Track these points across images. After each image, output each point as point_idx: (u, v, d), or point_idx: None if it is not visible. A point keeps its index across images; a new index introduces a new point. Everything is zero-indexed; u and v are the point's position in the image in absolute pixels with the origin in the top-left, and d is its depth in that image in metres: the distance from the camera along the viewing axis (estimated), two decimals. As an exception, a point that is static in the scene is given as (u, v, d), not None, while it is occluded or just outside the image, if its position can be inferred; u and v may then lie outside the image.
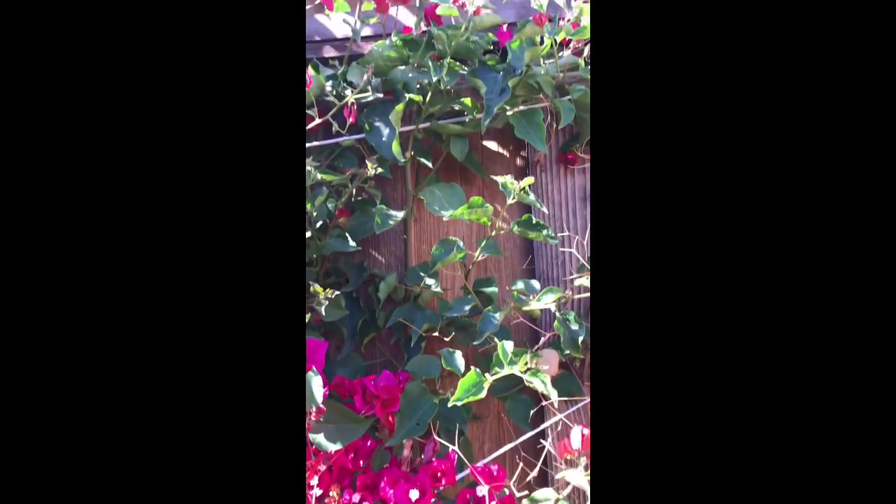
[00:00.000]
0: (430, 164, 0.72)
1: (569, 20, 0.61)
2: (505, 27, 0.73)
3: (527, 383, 0.49)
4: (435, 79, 0.60)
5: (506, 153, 0.83)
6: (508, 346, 0.51)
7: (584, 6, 0.59)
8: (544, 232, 0.56)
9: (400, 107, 0.63)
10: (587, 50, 0.70)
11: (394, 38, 0.63)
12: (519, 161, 0.83)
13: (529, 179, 0.54)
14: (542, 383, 0.47)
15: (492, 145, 0.82)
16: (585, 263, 0.62)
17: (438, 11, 0.58)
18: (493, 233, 0.58)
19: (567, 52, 0.69)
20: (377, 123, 0.68)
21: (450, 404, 0.49)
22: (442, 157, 0.74)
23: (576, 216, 0.78)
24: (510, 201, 0.55)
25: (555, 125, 0.70)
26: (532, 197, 0.55)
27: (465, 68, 0.68)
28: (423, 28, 0.66)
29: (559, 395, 0.66)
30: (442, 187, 0.69)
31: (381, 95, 0.64)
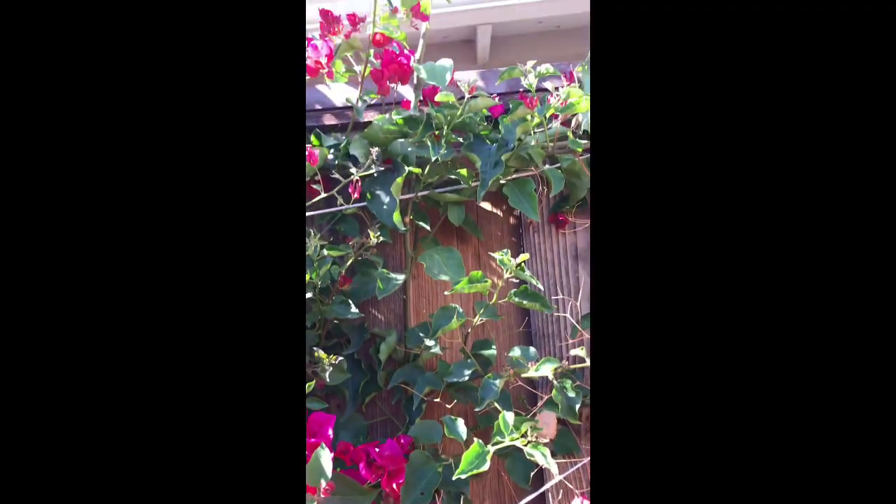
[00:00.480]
0: (428, 228, 0.76)
1: (558, 97, 0.66)
2: (496, 98, 0.78)
3: (527, 456, 0.51)
4: (434, 158, 0.63)
5: (499, 212, 0.87)
6: (509, 416, 0.53)
7: (570, 89, 0.63)
8: (539, 302, 0.59)
9: (400, 179, 0.67)
10: (574, 121, 0.74)
11: (394, 116, 0.67)
12: (512, 220, 0.87)
13: (525, 256, 0.57)
14: (542, 456, 0.49)
15: (486, 205, 0.86)
16: (579, 327, 0.65)
17: (437, 98, 0.62)
18: (492, 301, 0.61)
19: (556, 123, 0.73)
20: (378, 192, 0.71)
21: (454, 477, 0.51)
22: (440, 221, 0.78)
23: (568, 274, 0.82)
24: (507, 275, 0.58)
25: (546, 191, 0.74)
26: (528, 273, 0.58)
27: (462, 139, 0.72)
28: (421, 102, 0.70)
29: (558, 452, 0.68)
30: (440, 251, 0.72)
31: (381, 168, 0.68)
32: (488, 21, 1.59)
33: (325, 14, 0.63)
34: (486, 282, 0.58)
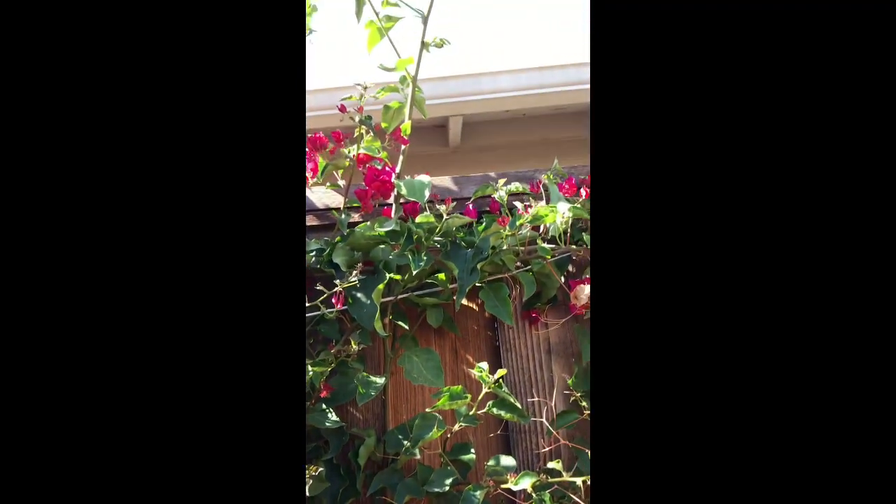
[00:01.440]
0: (406, 328, 0.78)
1: (525, 215, 0.72)
2: (471, 206, 0.84)
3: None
4: (415, 271, 0.67)
5: (475, 307, 0.91)
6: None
7: (539, 208, 0.69)
8: (516, 413, 0.61)
9: (381, 286, 0.70)
10: (542, 227, 0.80)
11: (377, 228, 0.71)
12: (487, 314, 0.91)
13: (502, 371, 0.60)
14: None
15: (462, 300, 0.90)
16: (553, 430, 0.67)
17: (419, 220, 0.67)
18: (472, 412, 0.63)
19: (526, 229, 0.79)
20: (359, 296, 0.74)
21: None
22: (419, 321, 0.80)
23: (541, 369, 0.85)
24: (486, 390, 0.61)
25: (518, 293, 0.78)
26: (505, 389, 0.61)
27: (439, 244, 0.77)
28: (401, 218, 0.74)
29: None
30: (419, 353, 0.74)
31: (363, 277, 0.71)
32: (460, 113, 1.70)
33: (312, 140, 0.69)
34: (465, 397, 0.61)
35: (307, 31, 0.80)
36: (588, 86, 1.62)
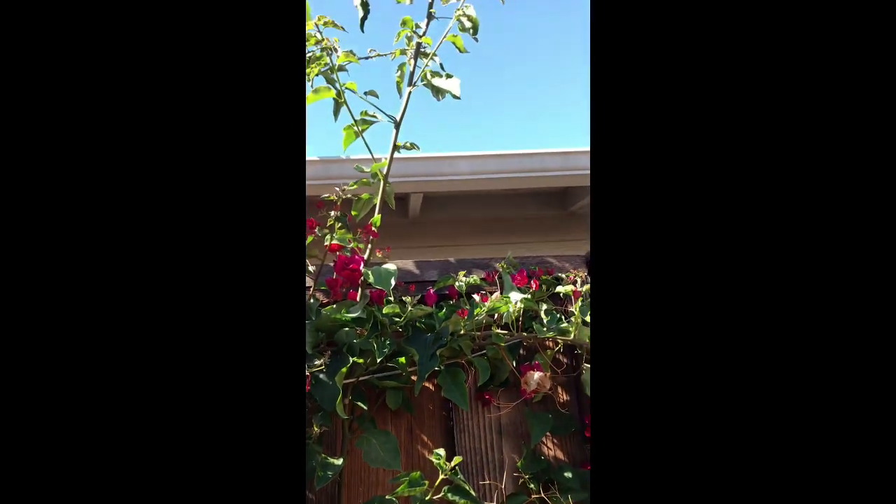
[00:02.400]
0: (365, 408, 0.81)
1: (486, 299, 0.79)
2: (431, 290, 0.90)
3: None
4: (378, 359, 0.72)
5: (430, 387, 0.95)
6: None
7: (495, 300, 0.77)
8: (470, 500, 0.65)
9: (344, 369, 0.74)
10: (496, 315, 0.87)
11: (344, 314, 0.76)
12: (442, 394, 0.95)
13: (458, 459, 0.65)
14: None
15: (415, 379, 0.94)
16: (504, 513, 0.70)
17: (385, 311, 0.72)
18: (427, 497, 0.66)
19: (484, 314, 0.86)
20: (321, 377, 0.77)
21: None
22: (379, 403, 0.84)
23: (493, 449, 0.89)
24: (442, 476, 0.64)
25: (472, 376, 0.84)
26: (460, 476, 0.65)
27: (402, 326, 0.82)
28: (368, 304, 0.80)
29: None
30: (377, 435, 0.77)
31: (327, 362, 0.75)
32: (421, 190, 1.81)
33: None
34: (423, 484, 0.64)
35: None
36: (540, 174, 1.78)
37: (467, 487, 0.66)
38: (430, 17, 0.90)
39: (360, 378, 0.80)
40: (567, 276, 0.95)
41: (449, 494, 0.67)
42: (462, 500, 0.66)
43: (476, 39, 0.87)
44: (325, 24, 0.72)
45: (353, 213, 0.88)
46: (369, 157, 0.89)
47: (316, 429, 0.69)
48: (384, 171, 0.83)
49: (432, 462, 0.71)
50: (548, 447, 0.90)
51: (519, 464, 0.83)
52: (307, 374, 0.70)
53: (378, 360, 0.74)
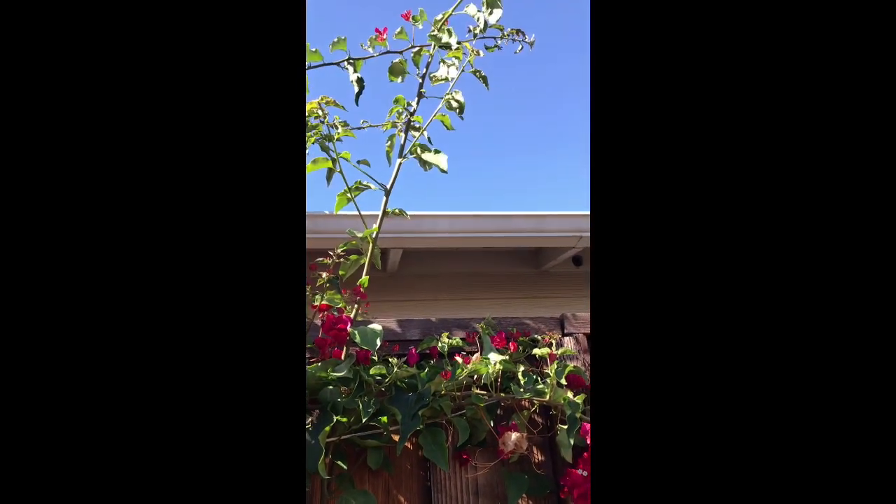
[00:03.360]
0: (345, 467, 0.82)
1: (467, 360, 0.82)
2: (413, 351, 0.93)
3: None
4: (364, 419, 0.74)
5: (409, 446, 0.96)
6: None
7: (476, 363, 0.81)
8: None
9: (328, 428, 0.75)
10: (475, 375, 0.91)
11: (331, 373, 0.78)
12: (420, 453, 0.96)
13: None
14: None
15: (395, 437, 0.95)
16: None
17: (372, 371, 0.75)
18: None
19: (465, 372, 0.89)
20: (305, 436, 0.78)
21: None
22: (359, 462, 0.85)
23: (469, 510, 0.90)
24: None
25: (451, 436, 0.86)
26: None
27: (385, 386, 0.84)
28: (354, 363, 0.82)
29: None
30: (356, 495, 0.78)
31: (315, 421, 0.76)
32: (400, 246, 1.86)
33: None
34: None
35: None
36: (515, 234, 1.86)
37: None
38: (420, 95, 0.99)
39: (342, 437, 0.82)
40: (542, 338, 1.00)
41: (429, 557, 0.68)
42: (442, 564, 0.67)
43: (462, 118, 0.96)
44: (328, 103, 0.78)
45: (340, 272, 0.92)
46: (354, 213, 0.93)
47: (298, 489, 0.69)
48: (374, 236, 0.88)
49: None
50: (523, 508, 0.91)
51: (495, 526, 0.84)
52: (293, 433, 0.71)
53: (363, 420, 0.76)
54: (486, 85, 0.92)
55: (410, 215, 1.85)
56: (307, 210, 1.73)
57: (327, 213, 1.73)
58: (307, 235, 1.64)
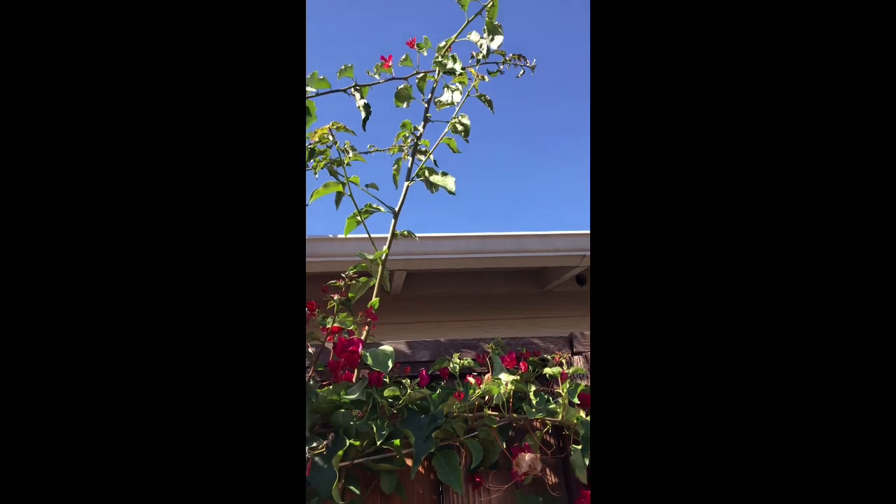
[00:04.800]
0: (358, 493, 0.81)
1: (479, 381, 0.82)
2: (424, 373, 0.93)
3: None
4: (378, 441, 0.74)
5: (421, 469, 0.95)
6: None
7: (488, 383, 0.80)
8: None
9: (341, 452, 0.75)
10: (487, 396, 0.91)
11: (343, 396, 0.78)
12: (433, 476, 0.95)
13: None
14: None
15: (408, 460, 0.94)
16: None
17: (386, 393, 0.75)
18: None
19: (476, 395, 0.89)
20: (317, 460, 0.78)
21: None
22: (371, 487, 0.84)
23: (484, 535, 0.88)
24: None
25: (464, 459, 0.85)
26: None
27: (397, 408, 0.84)
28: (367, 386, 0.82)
29: None
30: (370, 521, 0.77)
31: (325, 443, 0.76)
32: (404, 269, 1.87)
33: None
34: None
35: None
36: (519, 254, 1.87)
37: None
38: (426, 120, 1.01)
39: (355, 461, 0.81)
40: (552, 358, 1.00)
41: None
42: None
43: (467, 142, 0.98)
44: (338, 128, 0.80)
45: (350, 295, 0.92)
46: (362, 236, 0.94)
47: (312, 515, 0.68)
48: (384, 258, 0.88)
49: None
50: (538, 532, 0.90)
51: (511, 550, 0.82)
52: (309, 457, 0.70)
53: (378, 443, 0.75)
54: (492, 109, 0.94)
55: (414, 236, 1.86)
56: (316, 234, 1.74)
57: (334, 236, 1.74)
58: (316, 259, 1.65)
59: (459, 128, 0.95)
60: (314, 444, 0.74)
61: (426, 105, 1.03)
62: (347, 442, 0.77)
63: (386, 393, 0.76)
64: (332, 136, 0.79)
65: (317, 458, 0.77)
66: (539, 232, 1.85)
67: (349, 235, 1.70)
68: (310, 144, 0.99)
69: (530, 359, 0.98)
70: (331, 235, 1.75)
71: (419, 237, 1.84)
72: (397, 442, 0.82)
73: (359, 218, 0.89)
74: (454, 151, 0.95)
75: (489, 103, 0.93)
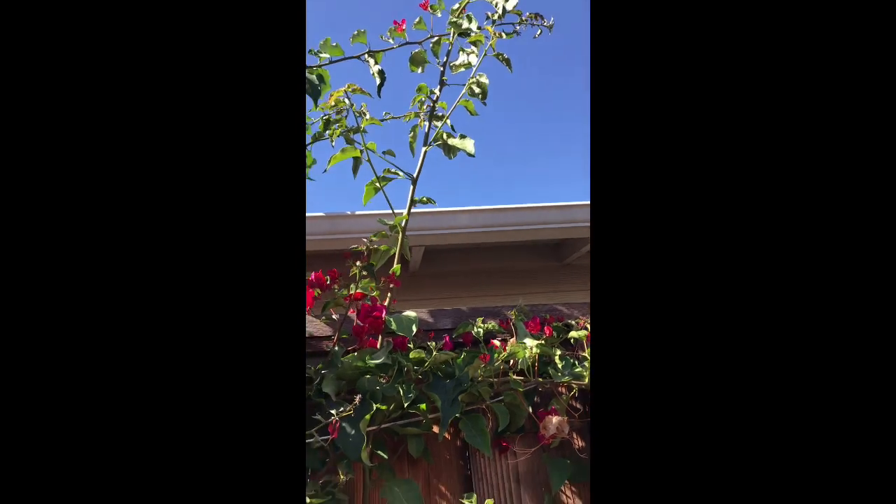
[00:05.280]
0: (386, 457, 0.81)
1: (504, 344, 0.81)
2: (447, 339, 0.93)
3: None
4: (405, 404, 0.73)
5: (448, 435, 0.95)
6: None
7: (513, 345, 0.80)
8: (501, 544, 0.65)
9: (368, 416, 0.75)
10: (511, 360, 0.90)
11: (368, 361, 0.78)
12: (458, 443, 0.95)
13: (490, 501, 0.65)
14: None
15: (435, 429, 0.94)
16: (531, 561, 0.70)
17: (412, 356, 0.75)
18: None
19: (500, 362, 0.88)
20: (344, 426, 0.78)
21: None
22: (399, 451, 0.84)
23: (512, 497, 0.88)
24: (474, 520, 0.65)
25: (490, 423, 0.85)
26: (493, 519, 0.65)
27: (422, 373, 0.84)
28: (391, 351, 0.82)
29: None
30: (399, 484, 0.77)
31: (357, 406, 0.76)
32: (421, 244, 1.86)
33: (316, 278, 0.78)
34: (455, 527, 0.64)
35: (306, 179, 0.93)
36: (539, 226, 1.85)
37: (501, 530, 0.66)
38: (442, 84, 0.99)
39: (382, 426, 0.81)
40: (577, 323, 0.98)
41: (479, 540, 0.67)
42: (493, 546, 0.66)
43: (485, 104, 0.95)
44: (354, 91, 0.79)
45: (371, 261, 0.92)
46: (374, 213, 0.94)
47: (342, 476, 0.69)
48: (403, 225, 0.87)
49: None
50: (566, 495, 0.90)
51: (540, 511, 0.82)
52: (334, 420, 0.71)
53: (404, 405, 0.75)
54: (510, 67, 0.91)
55: (430, 211, 1.84)
56: (330, 211, 1.74)
57: (352, 213, 1.74)
58: (336, 236, 1.65)
59: (476, 89, 0.93)
60: (341, 409, 0.74)
61: (441, 69, 1.00)
62: (374, 406, 0.77)
63: (411, 355, 0.75)
64: (348, 99, 0.78)
65: (344, 424, 0.78)
66: (558, 203, 1.82)
67: (362, 213, 1.70)
68: (324, 115, 0.97)
69: (554, 324, 0.96)
70: (349, 212, 1.74)
71: (435, 212, 1.83)
72: (423, 406, 0.82)
73: (377, 185, 0.88)
74: (472, 114, 0.93)
75: (507, 62, 0.91)
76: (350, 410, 0.71)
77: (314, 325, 0.96)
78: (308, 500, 0.67)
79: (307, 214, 1.66)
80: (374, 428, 0.81)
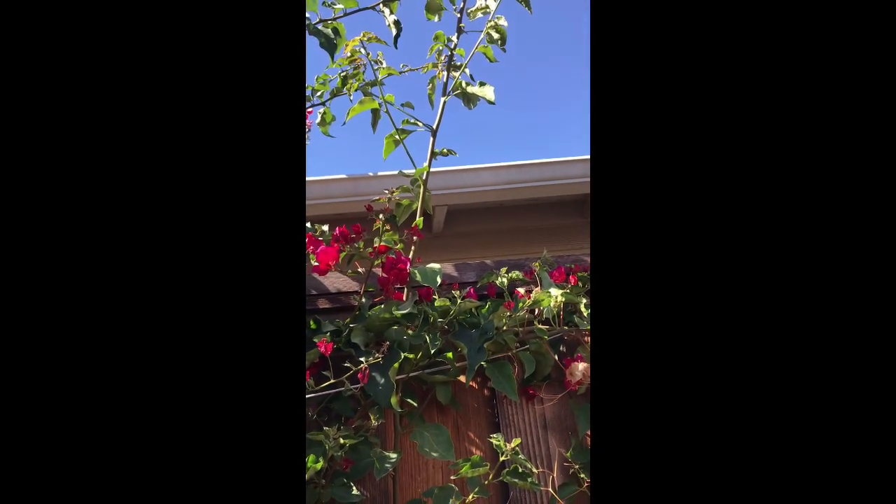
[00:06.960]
0: (415, 404, 0.84)
1: (525, 298, 0.82)
2: (471, 290, 0.93)
3: None
4: (432, 351, 0.75)
5: (475, 385, 0.97)
6: None
7: (538, 293, 0.80)
8: (530, 480, 0.67)
9: (396, 364, 0.77)
10: (537, 310, 0.90)
11: (394, 311, 0.80)
12: (486, 392, 0.97)
13: (518, 441, 0.67)
14: None
15: (462, 378, 0.96)
16: (558, 497, 0.72)
17: (437, 304, 0.76)
18: (487, 481, 0.68)
19: (524, 311, 0.88)
20: (374, 374, 0.80)
21: None
22: (427, 399, 0.86)
23: (539, 443, 0.91)
24: (503, 458, 0.67)
25: (517, 370, 0.86)
26: (522, 456, 0.67)
27: (448, 324, 0.85)
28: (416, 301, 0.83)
29: None
30: (429, 428, 0.79)
31: (380, 359, 0.78)
32: (444, 203, 1.85)
33: (340, 233, 0.79)
34: (485, 465, 0.66)
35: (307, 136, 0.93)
36: (563, 181, 1.82)
37: (530, 465, 0.68)
38: (459, 31, 0.96)
39: (410, 374, 0.83)
40: (602, 272, 0.98)
41: (508, 477, 0.69)
42: (521, 482, 0.68)
43: (504, 50, 0.92)
44: (370, 39, 0.77)
45: (394, 215, 0.92)
46: (395, 174, 0.93)
47: (374, 422, 0.72)
48: (424, 177, 0.87)
49: (481, 457, 0.73)
50: (593, 440, 0.91)
51: (568, 454, 0.84)
52: (363, 367, 0.73)
53: (431, 353, 0.77)
54: (529, 8, 0.88)
55: (452, 170, 1.83)
56: (349, 173, 1.74)
57: (373, 174, 1.74)
58: (358, 198, 1.66)
59: (495, 35, 0.90)
60: (370, 358, 0.76)
61: (458, 15, 0.97)
62: (402, 354, 0.79)
63: (437, 304, 0.76)
64: (364, 48, 0.76)
65: (374, 373, 0.80)
66: (583, 157, 1.78)
67: (390, 172, 1.69)
68: (342, 71, 0.96)
69: (579, 273, 0.96)
70: (371, 174, 1.75)
71: (457, 170, 1.81)
72: (450, 355, 0.83)
73: (397, 137, 0.87)
74: (491, 61, 0.90)
75: (526, 2, 0.87)
76: (379, 358, 0.73)
77: (341, 281, 0.98)
78: (342, 440, 0.69)
79: (329, 177, 1.67)
80: (402, 376, 0.83)
